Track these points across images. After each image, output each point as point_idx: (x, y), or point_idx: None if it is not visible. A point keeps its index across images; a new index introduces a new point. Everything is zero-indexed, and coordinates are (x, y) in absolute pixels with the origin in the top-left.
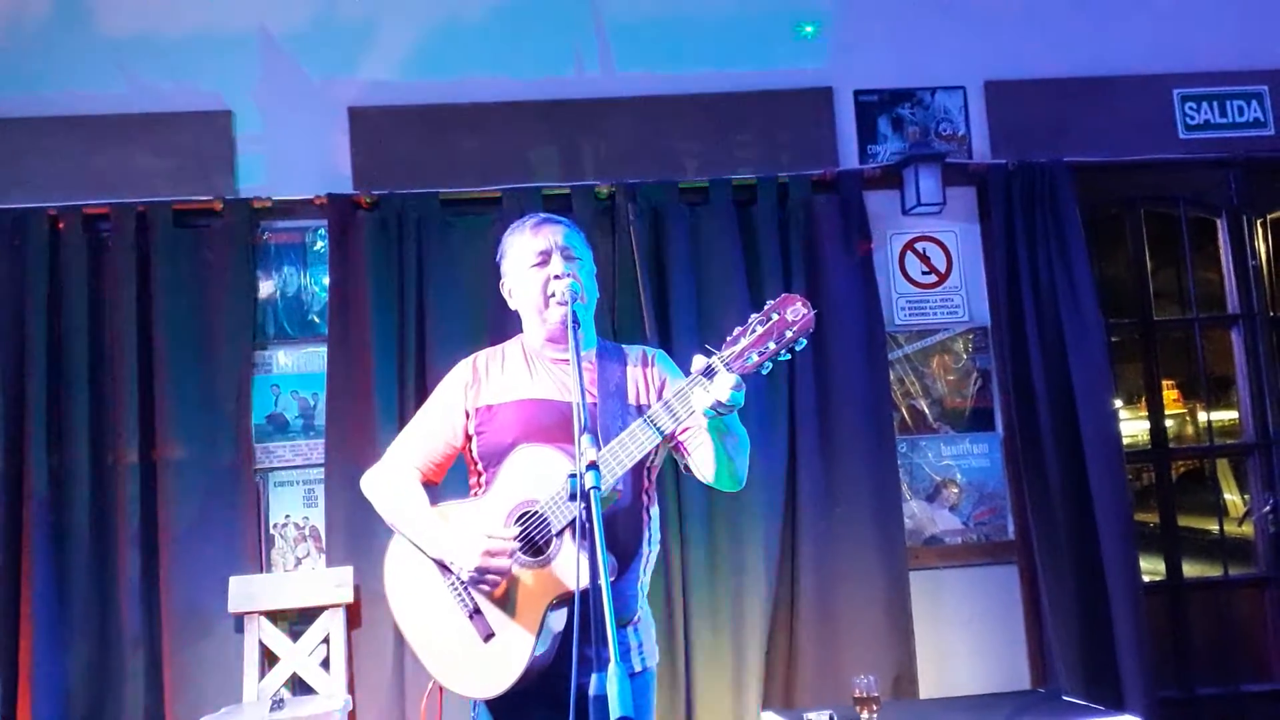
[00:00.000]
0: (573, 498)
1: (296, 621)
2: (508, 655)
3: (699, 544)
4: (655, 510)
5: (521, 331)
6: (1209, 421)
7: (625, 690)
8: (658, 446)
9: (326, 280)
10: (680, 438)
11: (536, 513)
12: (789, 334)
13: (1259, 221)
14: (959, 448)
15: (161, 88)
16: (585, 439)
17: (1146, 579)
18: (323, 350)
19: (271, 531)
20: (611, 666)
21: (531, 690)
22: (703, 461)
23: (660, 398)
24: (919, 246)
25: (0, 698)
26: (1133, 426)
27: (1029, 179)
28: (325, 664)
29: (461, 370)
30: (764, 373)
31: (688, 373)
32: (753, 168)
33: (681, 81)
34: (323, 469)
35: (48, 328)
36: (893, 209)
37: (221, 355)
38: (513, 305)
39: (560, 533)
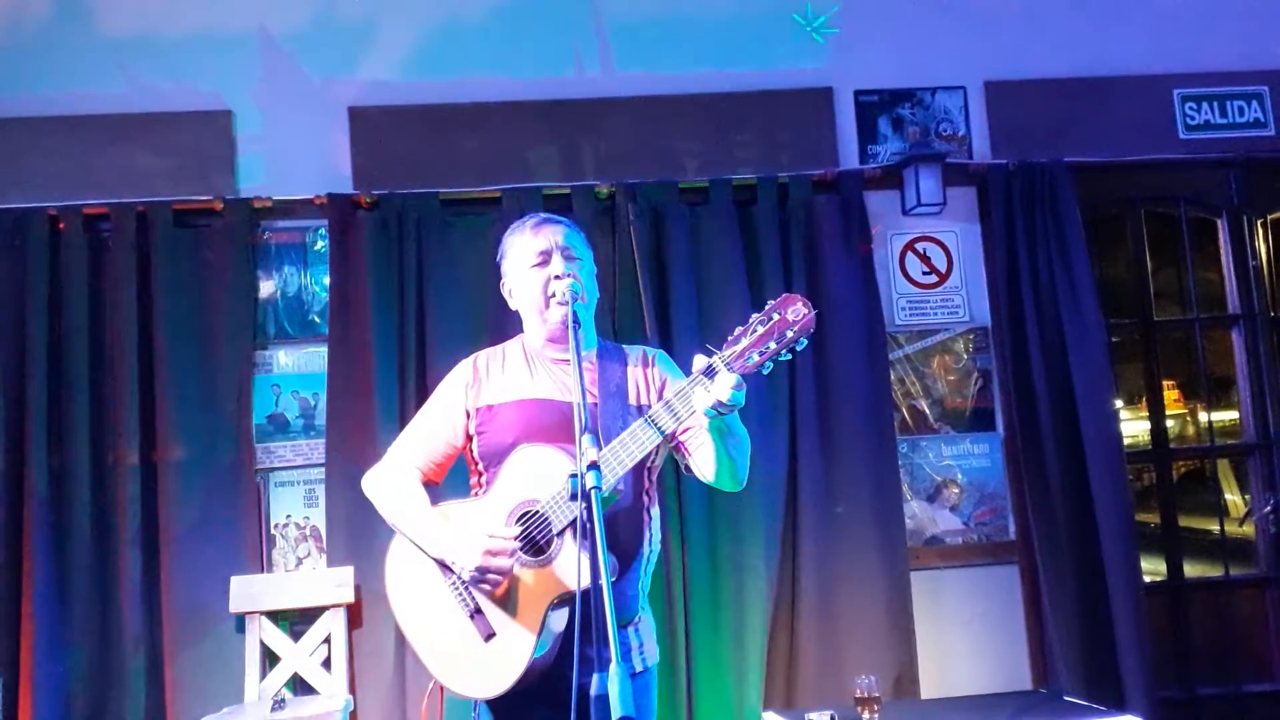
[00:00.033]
0: (574, 497)
1: (297, 621)
2: (509, 655)
3: (700, 544)
4: (656, 510)
5: (522, 331)
6: (1209, 422)
7: (626, 690)
8: (658, 446)
9: (327, 280)
10: (681, 438)
11: (537, 512)
12: (790, 334)
13: (1259, 221)
14: (959, 448)
15: (161, 87)
16: (586, 439)
17: (1147, 579)
18: (323, 350)
19: (272, 531)
20: (612, 666)
21: (532, 690)
22: (703, 461)
23: (661, 398)
24: (919, 247)
25: (0, 698)
26: (1133, 427)
27: (1029, 179)
28: (326, 664)
29: (462, 370)
30: (765, 373)
31: (688, 373)
32: (753, 168)
33: (681, 81)
34: (323, 469)
35: (48, 328)
36: (893, 209)
37: (222, 355)
38: (513, 305)
39: (561, 532)
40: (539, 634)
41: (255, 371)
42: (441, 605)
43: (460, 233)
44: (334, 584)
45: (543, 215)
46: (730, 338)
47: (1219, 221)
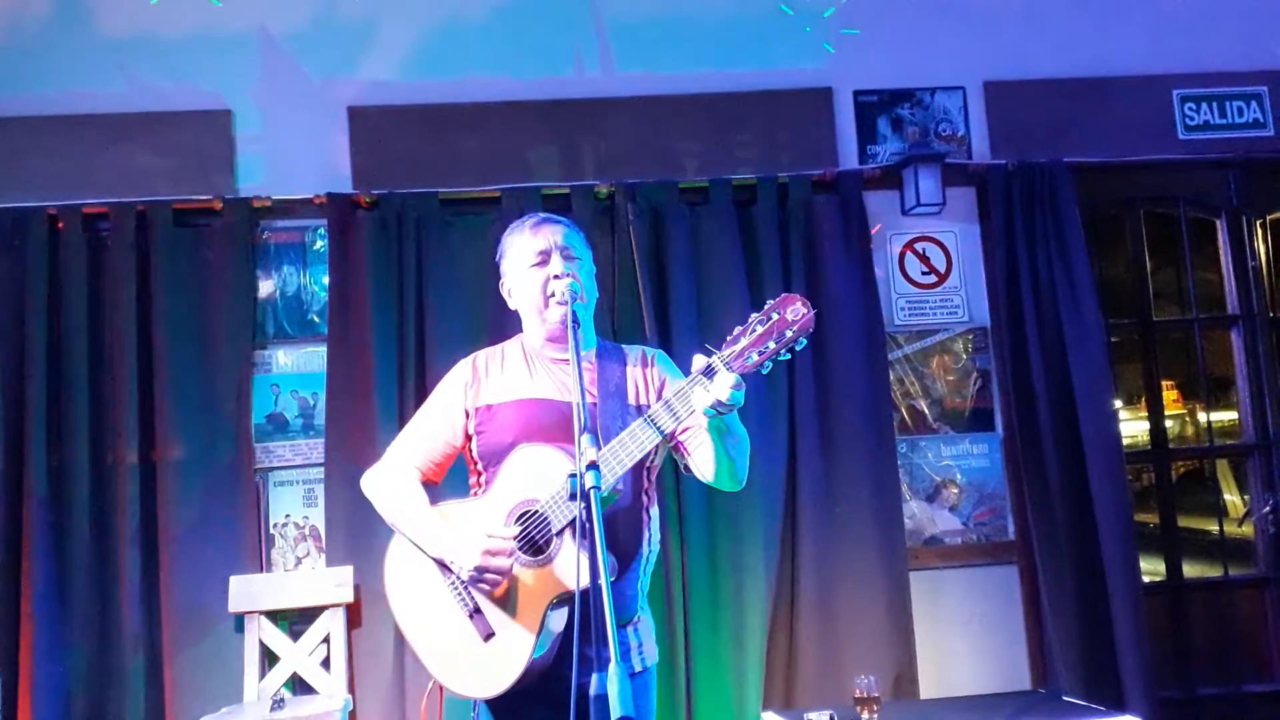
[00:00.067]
0: (573, 497)
1: (297, 621)
2: (508, 655)
3: (699, 544)
4: (655, 510)
5: (521, 331)
6: (1209, 422)
7: (626, 690)
8: (658, 446)
9: (326, 280)
10: (680, 437)
11: (537, 512)
12: (789, 333)
13: (1258, 222)
14: (959, 448)
15: (161, 87)
16: (585, 438)
17: (1147, 579)
18: (322, 350)
19: (271, 531)
20: (612, 666)
21: (532, 690)
22: (703, 461)
23: (660, 397)
24: (919, 247)
25: (0, 698)
26: (1133, 427)
27: (1029, 179)
28: (325, 663)
29: (461, 370)
30: (764, 372)
31: (688, 373)
32: (753, 168)
33: (681, 81)
34: (323, 468)
35: (48, 327)
36: (892, 209)
37: (221, 355)
38: (512, 305)
39: (560, 532)
40: (538, 634)
41: (254, 371)
42: (441, 605)
43: (460, 232)
44: (333, 584)
45: (542, 215)
46: (729, 337)
47: (1218, 222)
